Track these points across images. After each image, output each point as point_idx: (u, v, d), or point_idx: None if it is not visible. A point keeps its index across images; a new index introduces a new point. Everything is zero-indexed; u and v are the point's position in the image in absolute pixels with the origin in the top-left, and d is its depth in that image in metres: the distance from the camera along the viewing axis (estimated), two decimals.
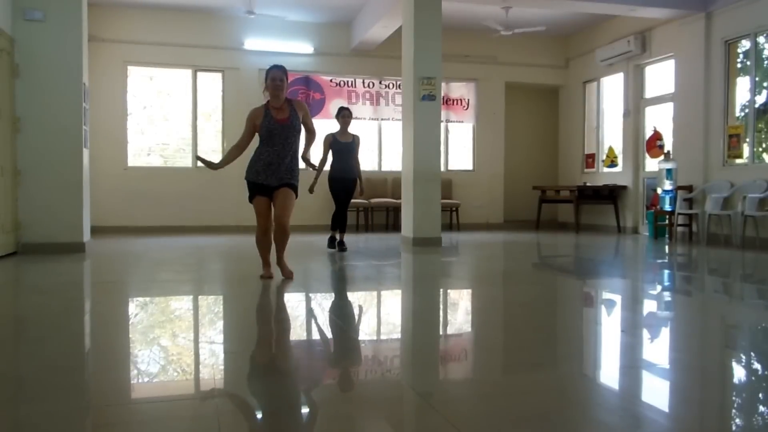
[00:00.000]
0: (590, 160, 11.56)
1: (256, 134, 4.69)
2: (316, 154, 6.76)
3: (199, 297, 4.53)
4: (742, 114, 8.59)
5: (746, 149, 8.38)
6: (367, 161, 10.93)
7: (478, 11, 9.95)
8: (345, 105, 8.13)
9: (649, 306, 4.25)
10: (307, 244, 8.00)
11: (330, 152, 7.10)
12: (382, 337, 3.33)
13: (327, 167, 7.12)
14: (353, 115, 7.41)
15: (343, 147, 7.07)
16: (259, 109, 4.69)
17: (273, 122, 4.56)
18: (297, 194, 4.72)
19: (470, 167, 11.87)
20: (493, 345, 3.12)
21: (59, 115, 6.75)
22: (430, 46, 7.86)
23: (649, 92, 10.34)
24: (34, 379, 2.33)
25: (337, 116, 7.18)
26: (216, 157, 10.33)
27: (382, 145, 11.39)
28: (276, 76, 4.59)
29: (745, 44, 8.48)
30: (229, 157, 4.75)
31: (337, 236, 7.29)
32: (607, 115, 11.32)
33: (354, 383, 2.44)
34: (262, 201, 4.67)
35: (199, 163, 4.93)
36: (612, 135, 11.13)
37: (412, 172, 7.85)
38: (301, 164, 4.81)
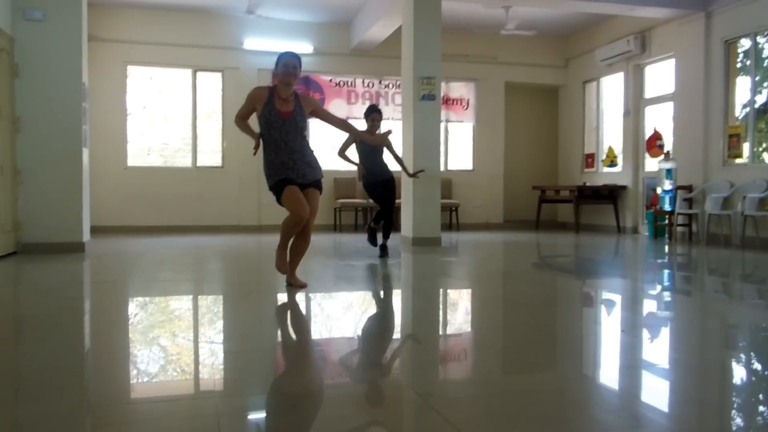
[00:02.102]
0: (590, 160, 11.56)
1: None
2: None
3: (199, 297, 4.53)
4: (742, 114, 8.59)
5: (746, 149, 8.38)
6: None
7: (478, 11, 9.95)
8: (376, 105, 7.09)
9: (648, 306, 4.25)
10: None
11: (357, 152, 6.55)
12: (382, 336, 3.33)
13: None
14: (382, 117, 6.63)
15: (371, 147, 6.44)
16: (263, 90, 4.23)
17: (274, 113, 4.11)
18: (322, 189, 4.35)
19: (470, 167, 11.87)
20: (493, 345, 3.12)
21: (59, 115, 6.75)
22: (430, 45, 7.86)
23: (649, 92, 10.34)
24: (34, 379, 2.33)
25: (366, 117, 6.49)
26: (216, 158, 10.53)
27: None
28: (289, 62, 4.14)
29: (745, 44, 8.48)
30: (245, 128, 4.30)
31: (379, 236, 6.72)
32: (606, 115, 11.32)
33: (354, 383, 2.44)
34: (295, 188, 4.13)
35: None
36: (612, 135, 11.12)
37: (411, 171, 7.84)
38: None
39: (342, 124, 4.52)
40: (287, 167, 4.13)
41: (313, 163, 4.26)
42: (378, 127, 6.48)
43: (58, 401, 2.05)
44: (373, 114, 6.44)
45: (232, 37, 10.49)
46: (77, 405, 2.09)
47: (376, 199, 6.64)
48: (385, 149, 6.52)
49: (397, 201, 10.27)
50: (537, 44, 11.75)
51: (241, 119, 4.27)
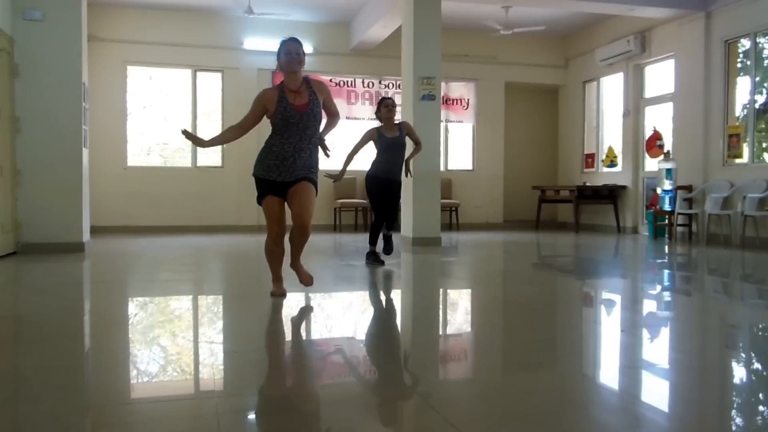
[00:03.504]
0: (590, 159, 11.56)
1: (261, 122, 3.98)
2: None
3: (199, 297, 4.53)
4: (742, 114, 8.59)
5: (746, 149, 8.38)
6: (366, 161, 10.90)
7: (478, 11, 9.96)
8: (387, 97, 6.20)
9: (648, 306, 4.24)
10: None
11: (375, 149, 5.88)
12: (381, 336, 3.33)
13: (353, 162, 5.85)
14: (395, 103, 5.92)
15: (392, 142, 5.73)
16: (271, 91, 3.90)
17: (290, 109, 3.79)
18: (317, 190, 3.98)
19: (470, 167, 11.87)
20: (493, 345, 3.11)
21: (59, 115, 6.74)
22: (430, 45, 7.86)
23: (649, 92, 10.34)
24: (34, 379, 2.33)
25: (379, 108, 5.82)
26: (216, 158, 10.51)
27: None
28: (291, 48, 3.82)
29: (745, 44, 8.48)
30: (224, 137, 4.11)
31: (383, 236, 6.04)
32: (606, 114, 11.32)
33: (354, 383, 2.44)
34: (274, 202, 3.88)
35: (189, 140, 4.25)
36: (612, 135, 11.12)
37: (411, 172, 7.82)
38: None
39: (331, 120, 4.15)
40: (285, 165, 3.82)
41: (311, 167, 3.93)
42: (393, 113, 5.78)
43: (58, 401, 2.05)
44: (386, 101, 5.78)
45: (232, 37, 10.49)
46: (77, 405, 2.09)
47: (377, 198, 5.90)
48: (408, 141, 5.90)
49: None
50: (537, 44, 11.75)
51: (239, 130, 3.98)
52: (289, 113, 3.79)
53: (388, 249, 6.11)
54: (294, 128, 3.80)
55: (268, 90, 3.96)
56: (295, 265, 4.08)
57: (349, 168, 5.79)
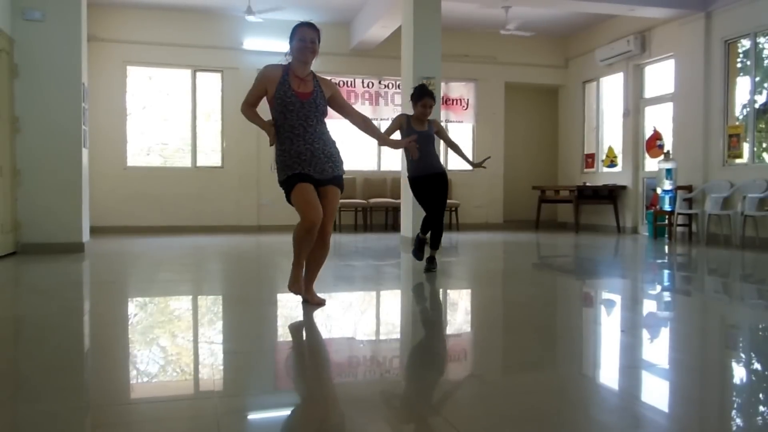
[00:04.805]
0: (590, 160, 11.56)
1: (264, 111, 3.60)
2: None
3: (199, 297, 4.53)
4: (742, 114, 8.59)
5: (746, 149, 8.38)
6: (366, 161, 10.93)
7: (478, 11, 9.95)
8: (430, 92, 5.29)
9: (648, 306, 4.24)
10: None
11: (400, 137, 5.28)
12: (382, 337, 3.33)
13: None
14: (434, 102, 5.31)
15: (419, 136, 4.94)
16: (275, 70, 3.54)
17: (291, 93, 3.46)
18: (343, 187, 3.71)
19: (470, 167, 11.83)
20: (493, 345, 3.11)
21: (58, 115, 6.75)
22: (430, 45, 7.86)
23: (649, 92, 10.34)
24: (34, 379, 2.33)
25: (416, 102, 5.20)
26: (216, 158, 10.51)
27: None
28: (306, 35, 3.49)
29: (745, 44, 8.48)
30: (253, 117, 3.62)
31: (427, 246, 5.53)
32: (606, 115, 11.32)
33: (354, 383, 2.44)
34: (307, 187, 3.47)
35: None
36: (612, 135, 11.12)
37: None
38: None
39: (362, 121, 3.80)
40: (303, 160, 3.49)
41: (334, 156, 3.60)
42: (429, 113, 5.24)
43: (58, 401, 2.05)
44: (425, 99, 5.14)
45: (231, 37, 10.49)
46: (77, 405, 2.09)
47: (423, 198, 5.40)
48: (435, 136, 5.41)
49: (396, 201, 10.01)
50: (537, 44, 11.74)
51: (250, 106, 3.61)
52: (289, 98, 3.46)
53: (431, 267, 5.43)
54: (293, 117, 3.48)
55: (271, 67, 3.58)
56: (309, 291, 3.80)
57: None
